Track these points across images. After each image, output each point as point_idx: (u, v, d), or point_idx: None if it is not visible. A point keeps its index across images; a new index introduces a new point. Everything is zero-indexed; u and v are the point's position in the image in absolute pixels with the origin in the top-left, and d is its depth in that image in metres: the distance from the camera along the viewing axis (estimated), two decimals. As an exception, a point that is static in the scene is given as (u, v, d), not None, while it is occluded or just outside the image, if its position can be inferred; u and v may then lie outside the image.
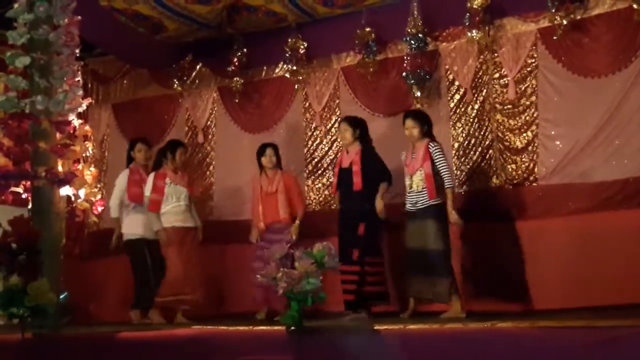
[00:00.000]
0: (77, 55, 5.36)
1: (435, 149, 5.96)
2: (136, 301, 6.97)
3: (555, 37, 6.43)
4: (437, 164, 5.92)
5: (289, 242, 6.34)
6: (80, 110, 5.34)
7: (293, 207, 6.82)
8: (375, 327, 4.58)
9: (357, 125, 6.42)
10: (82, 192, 5.22)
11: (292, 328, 4.25)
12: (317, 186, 7.56)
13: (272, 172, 6.88)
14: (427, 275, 5.82)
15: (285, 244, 6.34)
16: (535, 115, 6.60)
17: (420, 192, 5.93)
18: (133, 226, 6.92)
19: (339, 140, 7.53)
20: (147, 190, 6.87)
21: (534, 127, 6.58)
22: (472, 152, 6.86)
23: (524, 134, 6.64)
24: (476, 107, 6.91)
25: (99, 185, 7.07)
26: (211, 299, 7.29)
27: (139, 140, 7.25)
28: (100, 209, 5.52)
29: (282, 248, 4.54)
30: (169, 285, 6.74)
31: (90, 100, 5.69)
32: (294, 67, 7.58)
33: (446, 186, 5.90)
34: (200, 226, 7.07)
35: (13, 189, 5.04)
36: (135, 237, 6.94)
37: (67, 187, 5.10)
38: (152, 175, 6.92)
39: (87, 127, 5.42)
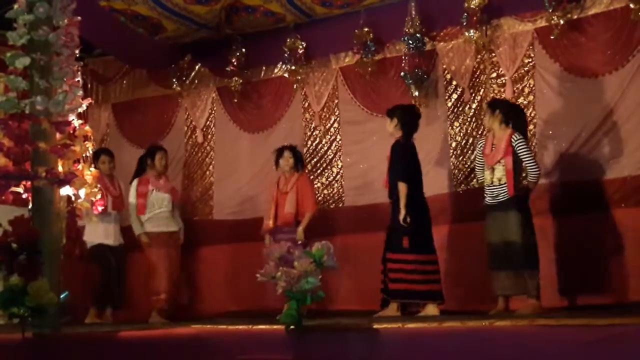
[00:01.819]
0: (77, 55, 5.36)
1: (519, 142, 5.69)
2: (94, 300, 7.12)
3: (552, 37, 6.45)
4: (522, 157, 5.67)
5: (297, 242, 6.38)
6: (80, 110, 5.34)
7: (301, 209, 6.77)
8: (373, 326, 4.59)
9: (393, 114, 6.13)
10: (82, 192, 5.22)
11: (292, 327, 4.27)
12: (316, 185, 7.57)
13: (291, 174, 6.89)
14: (515, 270, 5.59)
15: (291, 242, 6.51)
16: (532, 114, 6.62)
17: (502, 185, 5.69)
18: (91, 235, 6.98)
19: (338, 140, 7.57)
20: (132, 197, 7.09)
21: (531, 127, 6.60)
22: (469, 152, 6.88)
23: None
24: (474, 106, 6.93)
25: (99, 186, 7.06)
26: (210, 299, 7.35)
27: (102, 152, 7.36)
28: (100, 209, 5.53)
29: (282, 247, 4.56)
30: (151, 286, 7.01)
31: (90, 101, 5.68)
32: (293, 67, 7.59)
33: (530, 180, 5.72)
34: (182, 228, 7.27)
35: (13, 189, 5.03)
36: (95, 243, 7.07)
37: (67, 187, 5.11)
38: (135, 182, 7.13)
39: (87, 127, 5.41)
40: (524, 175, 5.79)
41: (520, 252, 5.56)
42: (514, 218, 5.60)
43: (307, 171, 7.56)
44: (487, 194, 5.82)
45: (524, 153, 5.68)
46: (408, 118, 6.08)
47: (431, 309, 5.71)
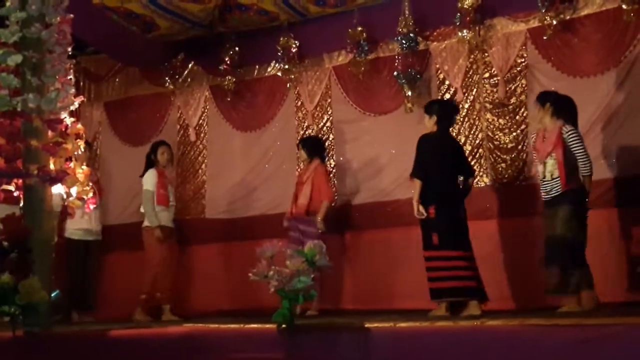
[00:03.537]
0: (69, 53, 5.35)
1: (570, 133, 5.51)
2: (73, 303, 7.10)
3: (545, 37, 6.47)
4: (573, 149, 5.47)
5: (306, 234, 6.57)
6: (72, 108, 5.33)
7: (316, 200, 6.81)
8: (365, 325, 4.60)
9: (432, 111, 5.95)
10: (74, 191, 5.21)
11: (283, 326, 4.27)
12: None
13: (309, 163, 6.99)
14: (559, 266, 5.41)
15: (310, 236, 6.48)
16: (525, 114, 6.65)
17: (555, 179, 5.51)
18: (77, 223, 6.90)
19: (330, 139, 7.57)
20: (152, 185, 7.00)
21: (523, 126, 6.63)
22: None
23: (514, 133, 6.69)
24: (466, 106, 6.94)
25: (90, 184, 7.05)
26: (201, 298, 7.36)
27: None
28: (92, 207, 5.51)
29: (274, 246, 4.56)
30: (150, 282, 6.96)
31: (82, 99, 5.66)
32: (286, 66, 7.59)
33: (583, 173, 5.51)
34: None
35: (5, 187, 5.01)
36: (74, 237, 7.09)
37: (59, 185, 5.10)
38: (154, 172, 7.07)
39: (79, 125, 5.40)
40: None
41: (563, 248, 5.40)
42: (562, 212, 5.43)
43: (299, 170, 7.59)
44: (541, 189, 5.66)
45: (575, 145, 5.49)
46: (447, 113, 5.95)
47: (473, 308, 5.48)
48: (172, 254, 7.10)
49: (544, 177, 5.59)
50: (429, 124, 5.91)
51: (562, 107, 5.64)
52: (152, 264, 6.97)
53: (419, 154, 5.79)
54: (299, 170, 7.57)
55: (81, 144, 5.35)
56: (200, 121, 8.25)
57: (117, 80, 8.64)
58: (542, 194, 5.65)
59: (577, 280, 5.35)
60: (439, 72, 7.11)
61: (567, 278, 5.37)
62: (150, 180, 7.03)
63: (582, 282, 5.35)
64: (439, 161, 5.75)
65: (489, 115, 6.82)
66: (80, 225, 7.01)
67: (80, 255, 7.12)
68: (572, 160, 5.51)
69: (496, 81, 6.80)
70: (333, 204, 6.96)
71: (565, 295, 5.40)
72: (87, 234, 7.14)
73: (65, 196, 5.19)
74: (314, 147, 7.04)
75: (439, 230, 5.59)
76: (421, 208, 5.64)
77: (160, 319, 6.85)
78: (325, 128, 7.62)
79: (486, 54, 6.87)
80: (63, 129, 5.21)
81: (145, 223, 7.03)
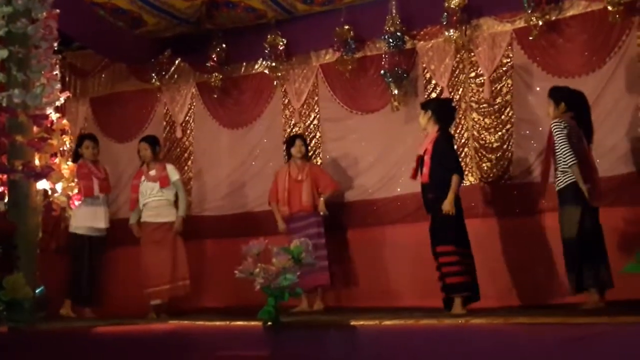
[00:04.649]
0: (55, 48, 5.33)
1: (554, 127, 5.48)
2: (69, 293, 7.09)
3: (530, 38, 6.52)
4: (555, 142, 5.46)
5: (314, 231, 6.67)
6: (57, 103, 5.31)
7: (323, 191, 6.93)
8: (351, 323, 4.62)
9: (427, 107, 5.96)
10: (59, 186, 5.19)
11: (269, 323, 4.28)
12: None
13: (302, 162, 7.03)
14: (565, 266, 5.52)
15: (314, 225, 6.74)
16: (510, 114, 6.69)
17: (557, 177, 5.52)
18: (81, 219, 6.95)
19: (317, 137, 7.58)
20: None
21: (509, 126, 6.67)
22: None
23: (499, 133, 6.73)
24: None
25: (76, 180, 7.01)
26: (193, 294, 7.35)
27: (85, 137, 7.34)
28: (77, 203, 5.49)
29: (260, 244, 4.57)
30: (145, 278, 6.96)
31: (68, 94, 5.64)
32: (273, 64, 7.58)
33: (569, 164, 5.43)
34: (180, 218, 7.10)
35: (-11, 182, 5.00)
36: (79, 231, 7.04)
37: (44, 181, 5.08)
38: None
39: (64, 121, 5.38)
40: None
41: (564, 248, 5.49)
42: (560, 214, 5.52)
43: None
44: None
45: (557, 140, 5.47)
46: (444, 110, 5.97)
47: (459, 306, 5.56)
48: (165, 249, 6.99)
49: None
50: (423, 120, 5.92)
51: (574, 103, 5.62)
52: (142, 260, 7.03)
53: (449, 151, 5.80)
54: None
55: (67, 139, 5.32)
56: (187, 118, 8.23)
57: (103, 76, 8.60)
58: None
59: (592, 277, 5.35)
60: (426, 71, 7.13)
61: (573, 277, 5.41)
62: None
63: (577, 282, 5.39)
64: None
65: (474, 115, 6.86)
66: (84, 222, 6.98)
67: (84, 250, 7.05)
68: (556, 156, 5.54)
69: (482, 81, 6.84)
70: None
71: (578, 293, 5.44)
72: (92, 230, 7.08)
73: (50, 192, 5.17)
74: (307, 146, 7.18)
75: (456, 227, 5.67)
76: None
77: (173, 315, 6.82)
78: (312, 126, 7.63)
79: (472, 54, 6.90)
80: (48, 125, 5.19)
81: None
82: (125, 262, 7.61)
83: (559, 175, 5.53)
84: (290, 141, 7.14)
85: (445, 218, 5.64)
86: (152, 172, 7.11)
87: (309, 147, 7.56)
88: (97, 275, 7.21)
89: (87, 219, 6.99)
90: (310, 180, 6.93)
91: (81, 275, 7.05)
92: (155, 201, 7.05)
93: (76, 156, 7.08)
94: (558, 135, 5.49)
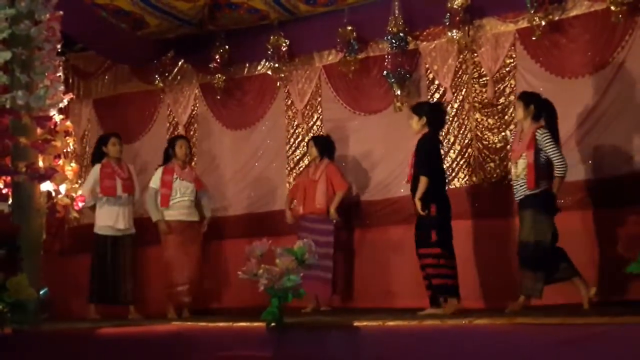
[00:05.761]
0: (59, 50, 5.34)
1: (544, 136, 5.53)
2: (92, 295, 6.99)
3: (533, 38, 6.50)
4: (548, 151, 5.51)
5: (323, 240, 6.64)
6: (61, 105, 5.32)
7: (336, 190, 6.91)
8: (353, 324, 4.62)
9: (421, 112, 5.93)
10: (62, 188, 5.21)
11: (272, 324, 4.28)
12: (298, 183, 7.56)
13: (319, 161, 7.03)
14: (521, 268, 5.57)
15: (324, 233, 6.73)
16: (513, 114, 6.67)
17: (523, 179, 5.57)
18: (104, 219, 6.90)
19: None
20: (155, 183, 6.95)
21: (512, 126, 6.66)
22: (451, 151, 6.92)
23: (503, 133, 6.72)
24: (455, 106, 6.97)
25: (79, 181, 7.00)
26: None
27: (111, 135, 7.23)
28: (81, 204, 5.50)
29: (263, 245, 4.57)
30: (168, 278, 6.88)
31: (72, 96, 5.67)
32: (276, 65, 7.59)
33: (557, 174, 5.53)
34: (207, 218, 7.09)
35: (-7, 184, 5.02)
36: (102, 232, 6.96)
37: (48, 182, 5.09)
38: (160, 170, 7.02)
39: (68, 123, 5.42)
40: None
41: (525, 250, 5.51)
42: (527, 216, 5.53)
43: (288, 169, 7.59)
44: (513, 190, 5.72)
45: (549, 147, 5.51)
46: (436, 115, 5.97)
47: (452, 306, 5.60)
48: (186, 249, 6.91)
49: (517, 177, 5.65)
50: (416, 125, 5.90)
51: (545, 111, 5.68)
52: (163, 259, 6.93)
53: (424, 153, 5.78)
54: (288, 169, 7.60)
55: (71, 141, 5.32)
56: (190, 119, 8.24)
57: (106, 77, 8.61)
58: (515, 195, 5.72)
59: (532, 283, 5.45)
60: (429, 71, 7.13)
61: (532, 280, 5.45)
62: (154, 178, 7.00)
63: (536, 286, 5.44)
64: (440, 161, 5.93)
65: (477, 115, 6.85)
66: (106, 221, 6.90)
67: (105, 251, 6.96)
68: (544, 163, 5.55)
69: (485, 81, 6.83)
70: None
71: (535, 296, 5.48)
72: (114, 230, 6.97)
73: (54, 194, 5.19)
74: (325, 145, 7.08)
75: (438, 229, 5.63)
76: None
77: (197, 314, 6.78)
78: (315, 127, 7.63)
79: (475, 54, 6.90)
80: (52, 126, 5.22)
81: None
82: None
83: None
84: (307, 143, 7.25)
85: (425, 220, 5.65)
86: (186, 171, 7.03)
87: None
88: (126, 274, 7.00)
89: (109, 219, 6.90)
90: (325, 179, 6.91)
91: (105, 276, 6.92)
92: (188, 201, 6.94)
93: (99, 156, 7.05)
94: (549, 143, 5.52)
